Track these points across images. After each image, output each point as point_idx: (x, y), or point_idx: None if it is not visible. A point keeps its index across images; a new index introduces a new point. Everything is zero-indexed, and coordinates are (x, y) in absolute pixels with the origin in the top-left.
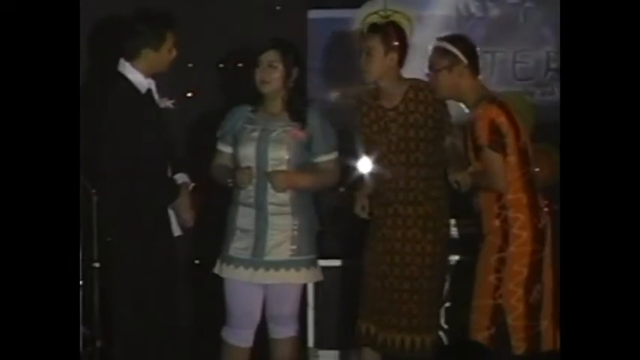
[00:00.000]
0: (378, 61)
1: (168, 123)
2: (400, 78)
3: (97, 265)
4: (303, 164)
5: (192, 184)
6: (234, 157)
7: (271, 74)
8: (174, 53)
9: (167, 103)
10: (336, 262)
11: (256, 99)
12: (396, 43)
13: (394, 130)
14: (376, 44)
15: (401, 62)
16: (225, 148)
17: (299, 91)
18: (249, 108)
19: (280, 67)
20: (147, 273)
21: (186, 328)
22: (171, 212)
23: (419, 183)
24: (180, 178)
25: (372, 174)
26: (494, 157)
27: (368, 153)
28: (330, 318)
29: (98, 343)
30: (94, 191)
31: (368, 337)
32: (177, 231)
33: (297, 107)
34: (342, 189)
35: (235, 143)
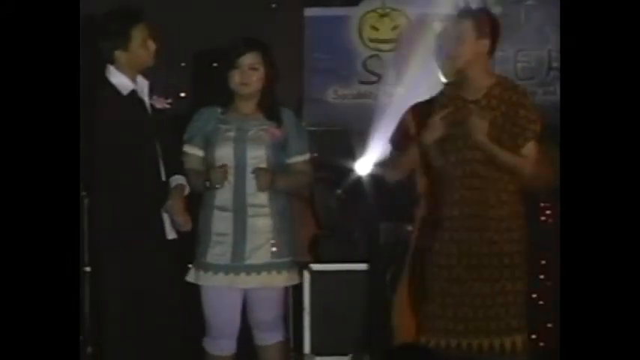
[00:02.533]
0: (468, 46)
1: (162, 123)
2: (488, 70)
3: (87, 269)
4: (279, 164)
5: (188, 188)
6: (208, 158)
7: (252, 76)
8: (152, 46)
9: (163, 104)
10: (333, 267)
11: (226, 100)
12: (488, 30)
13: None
14: (467, 28)
15: (491, 52)
16: (195, 151)
17: (272, 91)
18: (219, 109)
19: (261, 68)
20: (139, 277)
21: (180, 333)
22: (165, 215)
23: (491, 184)
24: (176, 180)
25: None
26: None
27: (442, 146)
28: (326, 323)
29: (89, 350)
30: (84, 194)
31: (438, 350)
32: (171, 234)
33: (271, 107)
34: (339, 191)
35: (208, 145)
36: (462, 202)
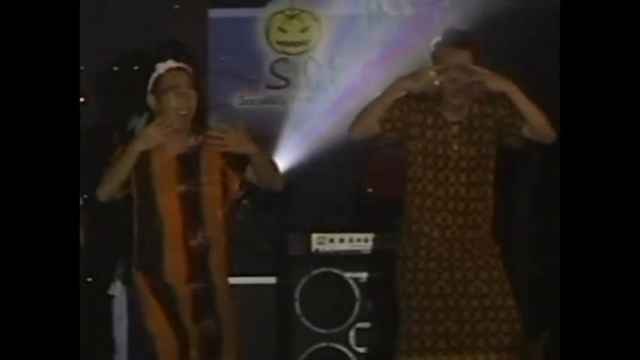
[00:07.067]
0: (465, 82)
1: None
2: (467, 90)
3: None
4: None
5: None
6: None
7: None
8: None
9: None
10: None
11: None
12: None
13: (456, 147)
14: (467, 60)
15: None
16: None
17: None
18: None
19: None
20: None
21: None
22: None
23: (477, 204)
24: None
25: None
26: None
27: (423, 166)
28: None
29: None
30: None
31: None
32: None
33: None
34: (245, 202)
35: None
36: (443, 225)
